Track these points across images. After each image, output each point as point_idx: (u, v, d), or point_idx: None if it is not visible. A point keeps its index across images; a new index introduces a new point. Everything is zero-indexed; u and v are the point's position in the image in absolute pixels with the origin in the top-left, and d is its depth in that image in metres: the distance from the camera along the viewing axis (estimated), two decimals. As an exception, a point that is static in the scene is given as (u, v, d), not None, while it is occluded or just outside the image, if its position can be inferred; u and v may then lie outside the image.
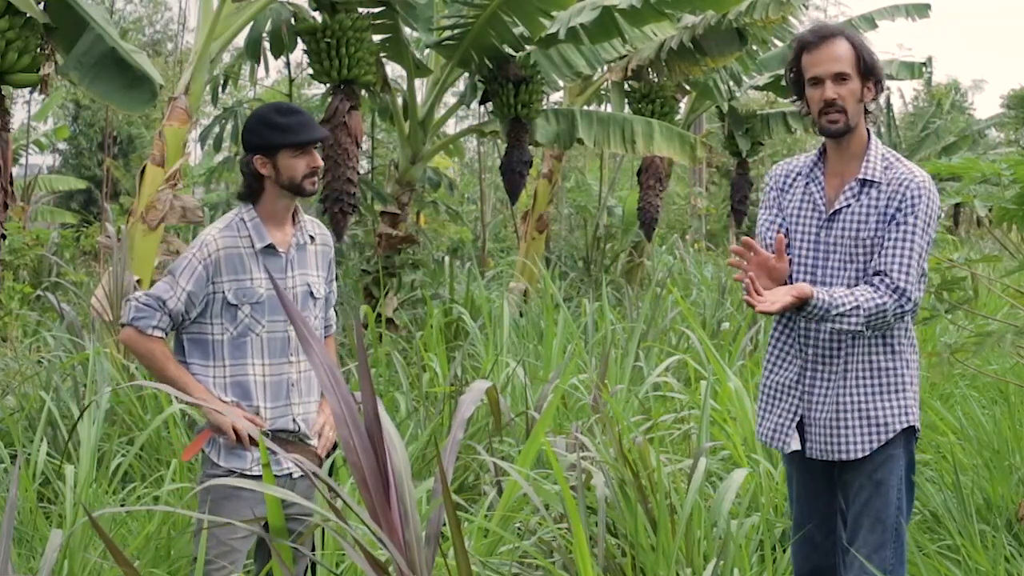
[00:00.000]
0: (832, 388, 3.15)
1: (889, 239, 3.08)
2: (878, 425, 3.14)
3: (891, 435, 3.14)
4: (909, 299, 3.05)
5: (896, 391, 3.15)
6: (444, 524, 2.41)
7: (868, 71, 3.12)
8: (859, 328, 3.02)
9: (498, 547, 3.95)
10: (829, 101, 3.09)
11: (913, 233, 3.07)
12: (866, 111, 3.18)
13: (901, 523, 3.18)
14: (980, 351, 4.36)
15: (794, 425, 3.20)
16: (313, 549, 3.30)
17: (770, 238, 3.24)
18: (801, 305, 3.00)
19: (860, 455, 3.13)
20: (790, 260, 3.19)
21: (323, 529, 3.28)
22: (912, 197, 3.08)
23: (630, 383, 6.24)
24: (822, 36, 3.14)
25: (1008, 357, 6.36)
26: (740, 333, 7.60)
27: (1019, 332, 4.31)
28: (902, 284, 3.04)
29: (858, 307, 3.00)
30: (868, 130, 3.21)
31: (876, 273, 3.08)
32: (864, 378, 3.14)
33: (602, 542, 3.67)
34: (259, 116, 3.34)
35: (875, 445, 3.13)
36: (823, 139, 3.25)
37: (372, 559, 2.34)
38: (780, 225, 3.26)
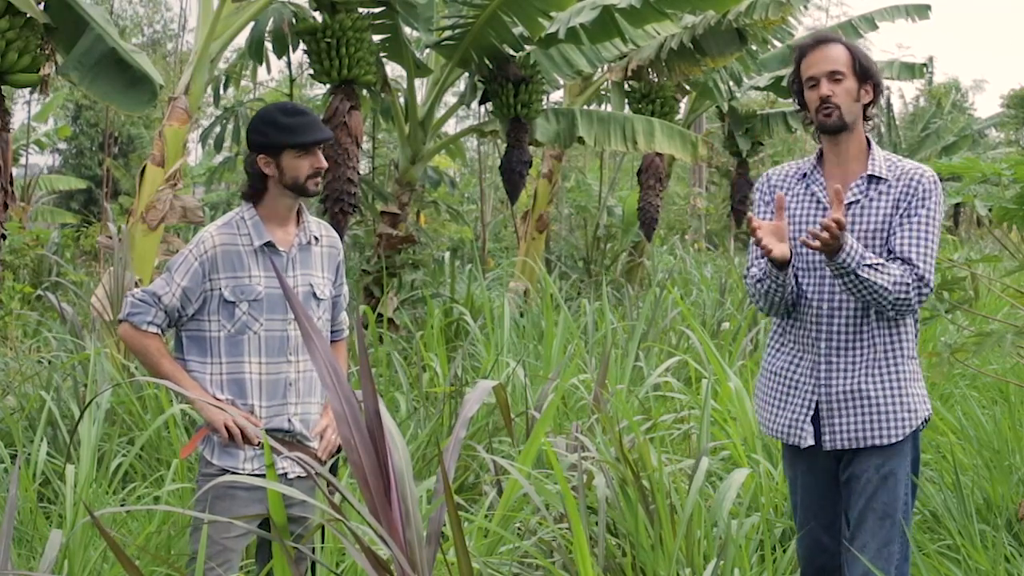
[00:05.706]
0: (853, 377, 3.16)
1: (906, 228, 3.13)
2: (909, 411, 3.17)
3: (918, 424, 3.18)
4: (928, 286, 3.10)
5: (917, 381, 3.22)
6: (444, 524, 2.41)
7: (864, 74, 3.20)
8: (884, 289, 3.02)
9: (498, 547, 3.95)
10: (824, 97, 3.16)
11: (927, 222, 3.13)
12: (866, 117, 3.25)
13: (907, 520, 3.20)
14: (980, 351, 4.35)
15: (809, 418, 3.22)
16: (312, 550, 3.29)
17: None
18: (834, 251, 2.99)
19: (895, 440, 3.15)
20: (792, 257, 3.22)
21: (323, 530, 3.28)
22: (925, 189, 3.15)
23: (630, 383, 6.24)
24: (818, 40, 3.24)
25: (1008, 357, 6.36)
26: (740, 333, 7.60)
27: (1019, 332, 4.31)
28: (923, 271, 3.08)
29: (888, 268, 3.03)
30: (867, 136, 3.27)
31: (896, 259, 3.11)
32: (888, 368, 3.16)
33: (602, 542, 3.67)
34: (264, 116, 3.34)
35: (907, 430, 3.16)
36: (821, 144, 3.31)
37: (374, 557, 2.34)
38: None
